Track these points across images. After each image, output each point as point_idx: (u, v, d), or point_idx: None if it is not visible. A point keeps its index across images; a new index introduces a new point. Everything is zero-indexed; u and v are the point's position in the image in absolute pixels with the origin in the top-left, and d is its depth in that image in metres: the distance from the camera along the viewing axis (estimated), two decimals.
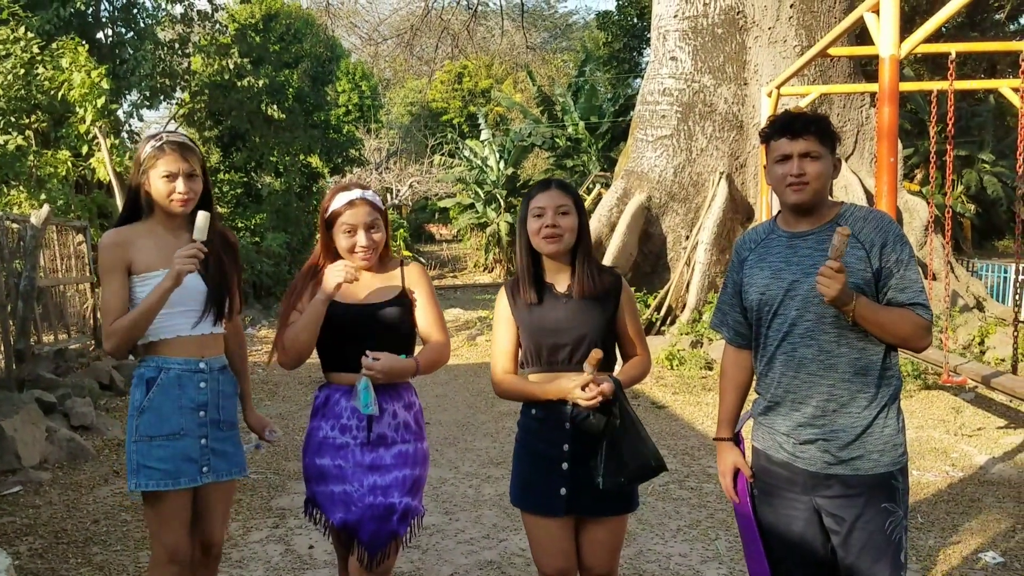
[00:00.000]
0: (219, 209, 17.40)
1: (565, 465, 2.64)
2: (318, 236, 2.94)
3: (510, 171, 24.94)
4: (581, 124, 23.03)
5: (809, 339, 2.42)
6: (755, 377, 2.63)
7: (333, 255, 2.87)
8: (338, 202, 2.81)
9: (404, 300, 2.87)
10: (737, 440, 2.72)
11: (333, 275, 2.70)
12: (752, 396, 2.67)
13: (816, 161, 2.40)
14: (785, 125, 2.43)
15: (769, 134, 2.48)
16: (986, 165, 22.01)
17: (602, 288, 2.68)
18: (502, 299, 2.79)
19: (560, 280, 2.71)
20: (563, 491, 2.64)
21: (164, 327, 2.77)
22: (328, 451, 2.84)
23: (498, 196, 24.76)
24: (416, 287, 2.91)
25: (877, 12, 4.38)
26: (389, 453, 2.82)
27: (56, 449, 6.09)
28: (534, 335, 2.67)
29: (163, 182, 2.73)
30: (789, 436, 2.47)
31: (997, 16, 22.30)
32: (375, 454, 2.81)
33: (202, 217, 2.68)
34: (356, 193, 2.82)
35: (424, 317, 2.90)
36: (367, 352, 2.69)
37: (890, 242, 2.39)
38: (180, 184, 2.73)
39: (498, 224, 24.46)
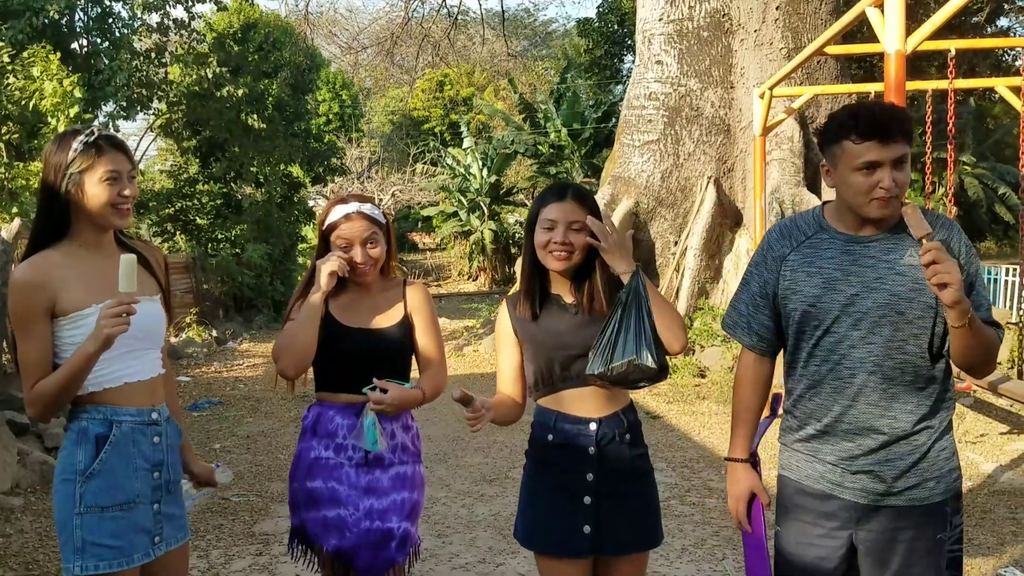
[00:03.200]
0: (200, 221, 17.16)
1: (588, 499, 2.34)
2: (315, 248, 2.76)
3: (493, 179, 24.76)
4: (564, 131, 22.90)
5: (871, 365, 2.09)
6: (788, 397, 2.29)
7: None
8: (334, 215, 2.64)
9: (407, 324, 2.70)
10: (754, 461, 2.40)
11: (326, 267, 2.55)
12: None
13: (904, 167, 2.03)
14: (875, 125, 2.00)
15: (844, 133, 2.04)
16: (967, 167, 22.06)
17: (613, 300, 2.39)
18: (503, 315, 2.52)
19: (566, 292, 2.44)
20: (587, 528, 2.34)
21: (108, 373, 2.24)
22: (320, 472, 2.63)
23: (481, 204, 24.57)
24: (418, 311, 2.73)
25: (880, 7, 4.23)
26: (386, 475, 2.63)
27: (29, 473, 5.83)
28: (544, 349, 2.40)
29: (105, 186, 2.21)
30: (837, 465, 2.17)
31: (975, 19, 22.41)
32: (371, 476, 2.61)
33: (126, 263, 2.11)
34: (353, 207, 2.63)
35: (425, 342, 2.72)
36: (374, 383, 2.49)
37: (963, 252, 2.08)
38: (127, 188, 2.25)
39: (482, 232, 24.26)
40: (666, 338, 2.31)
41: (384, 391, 2.48)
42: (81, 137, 2.22)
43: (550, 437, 2.40)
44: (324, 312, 2.64)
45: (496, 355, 2.58)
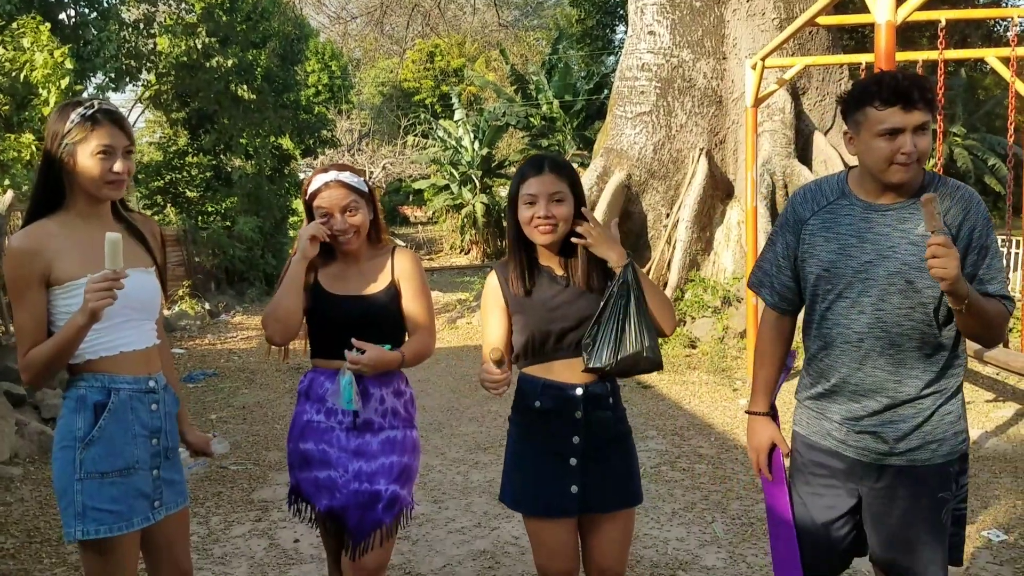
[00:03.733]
0: (190, 194, 17.09)
1: (574, 460, 2.44)
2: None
3: (485, 151, 24.67)
4: (556, 103, 22.81)
5: (880, 330, 2.18)
6: (805, 355, 2.39)
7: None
8: (315, 184, 2.71)
9: (393, 290, 2.75)
10: (773, 414, 2.53)
11: (305, 232, 2.64)
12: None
13: (926, 134, 2.10)
14: (898, 92, 2.06)
15: (867, 99, 2.11)
16: (957, 138, 22.12)
17: (602, 275, 2.46)
18: (493, 284, 2.55)
19: (555, 264, 2.50)
20: (574, 489, 2.44)
21: (104, 343, 2.30)
22: (312, 435, 2.73)
23: (473, 177, 24.50)
24: (406, 277, 2.77)
25: None
26: (376, 439, 2.70)
27: (27, 443, 5.88)
28: (539, 321, 2.43)
29: (96, 160, 2.24)
30: (843, 425, 2.27)
31: None
32: (361, 439, 2.69)
33: (111, 243, 2.13)
34: (331, 175, 2.70)
35: (412, 308, 2.77)
36: (352, 343, 2.57)
37: (979, 226, 2.14)
38: (119, 163, 2.27)
39: (474, 205, 24.21)
40: (662, 324, 2.41)
41: (363, 352, 2.56)
42: (80, 109, 2.26)
43: (537, 404, 2.46)
44: (313, 282, 2.72)
45: (482, 324, 2.60)
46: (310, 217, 2.73)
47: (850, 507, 2.31)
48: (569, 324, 2.42)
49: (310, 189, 2.72)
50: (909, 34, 18.59)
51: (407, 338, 2.80)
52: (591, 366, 2.35)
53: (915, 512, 2.22)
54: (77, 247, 2.26)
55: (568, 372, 2.44)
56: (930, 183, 2.20)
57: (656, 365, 2.37)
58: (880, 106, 2.08)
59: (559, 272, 2.49)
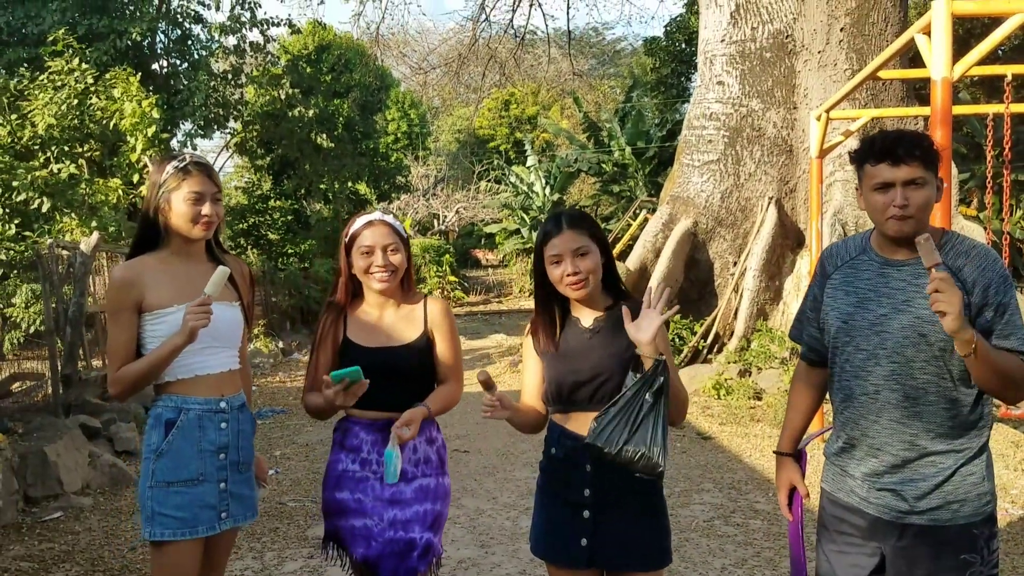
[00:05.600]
0: (271, 236, 17.71)
1: (586, 513, 2.43)
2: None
3: (556, 196, 24.94)
4: (628, 149, 22.96)
5: (895, 383, 2.21)
6: (832, 409, 2.42)
7: (352, 283, 2.82)
8: (358, 224, 2.80)
9: (427, 339, 2.81)
10: (798, 456, 2.59)
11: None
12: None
13: (921, 189, 2.17)
14: (885, 149, 2.18)
15: (863, 157, 2.24)
16: None
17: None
18: (528, 336, 2.65)
19: (585, 315, 2.54)
20: (584, 541, 2.42)
21: (182, 366, 2.59)
22: (348, 485, 2.79)
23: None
24: (438, 327, 2.84)
25: (928, 34, 4.24)
26: (410, 487, 2.76)
27: (98, 474, 6.14)
28: (557, 373, 2.49)
29: (187, 204, 2.58)
30: (863, 482, 2.28)
31: None
32: (395, 488, 2.75)
33: (220, 273, 2.54)
34: (376, 215, 2.80)
35: (444, 357, 2.84)
36: (395, 425, 2.64)
37: (994, 283, 2.17)
38: (207, 207, 2.60)
39: None
40: (675, 417, 2.40)
41: (408, 425, 2.64)
42: (175, 162, 2.63)
43: (553, 451, 2.51)
44: (343, 336, 2.79)
45: (522, 368, 2.68)
46: (347, 257, 2.78)
47: (874, 566, 2.29)
48: (582, 378, 2.44)
49: (353, 229, 2.78)
50: (998, 85, 18.15)
51: (437, 386, 2.86)
52: (591, 441, 2.29)
53: (937, 573, 2.19)
54: (173, 281, 2.60)
55: (584, 424, 2.43)
56: (947, 242, 2.24)
57: (654, 474, 2.29)
58: (873, 163, 2.21)
59: (586, 324, 2.52)
